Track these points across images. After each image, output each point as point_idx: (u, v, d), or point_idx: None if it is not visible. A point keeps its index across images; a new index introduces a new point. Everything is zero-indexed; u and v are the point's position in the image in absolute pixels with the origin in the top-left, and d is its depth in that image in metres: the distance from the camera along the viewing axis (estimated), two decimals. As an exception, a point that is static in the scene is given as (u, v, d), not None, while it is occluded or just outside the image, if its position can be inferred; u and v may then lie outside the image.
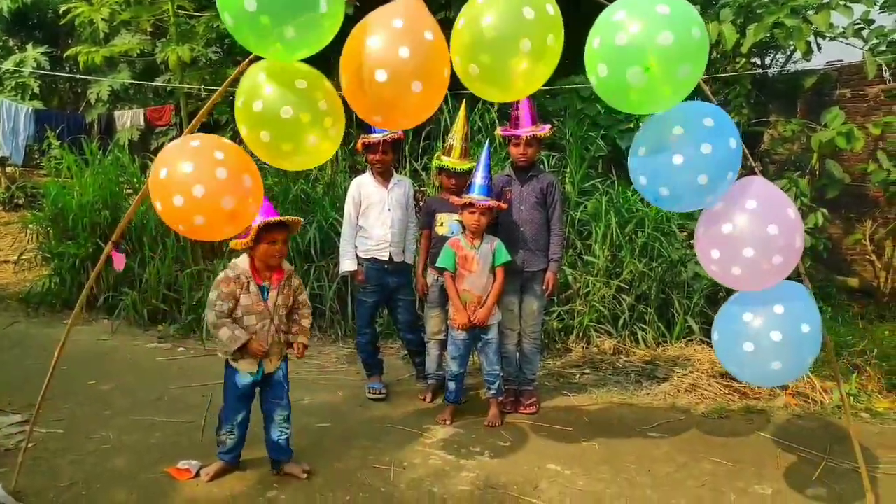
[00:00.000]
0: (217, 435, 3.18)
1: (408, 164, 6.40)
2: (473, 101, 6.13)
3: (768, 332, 2.56)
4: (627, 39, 2.20)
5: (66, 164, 7.06)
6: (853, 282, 7.01)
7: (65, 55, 10.15)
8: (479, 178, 3.72)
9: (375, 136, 4.07)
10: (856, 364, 4.71)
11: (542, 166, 5.15)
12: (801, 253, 2.56)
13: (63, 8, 8.71)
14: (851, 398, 4.26)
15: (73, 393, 4.15)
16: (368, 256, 4.16)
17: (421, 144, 6.48)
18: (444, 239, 4.03)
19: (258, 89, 2.46)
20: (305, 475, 3.16)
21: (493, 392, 3.89)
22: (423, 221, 4.26)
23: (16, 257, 7.41)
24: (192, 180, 2.45)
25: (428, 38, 2.34)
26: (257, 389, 3.17)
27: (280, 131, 2.46)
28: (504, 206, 3.82)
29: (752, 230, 2.49)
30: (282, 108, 2.42)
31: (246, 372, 3.08)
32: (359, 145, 4.19)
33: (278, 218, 2.99)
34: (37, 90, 10.48)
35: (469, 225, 3.75)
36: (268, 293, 3.06)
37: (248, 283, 3.01)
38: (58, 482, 3.07)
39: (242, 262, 3.06)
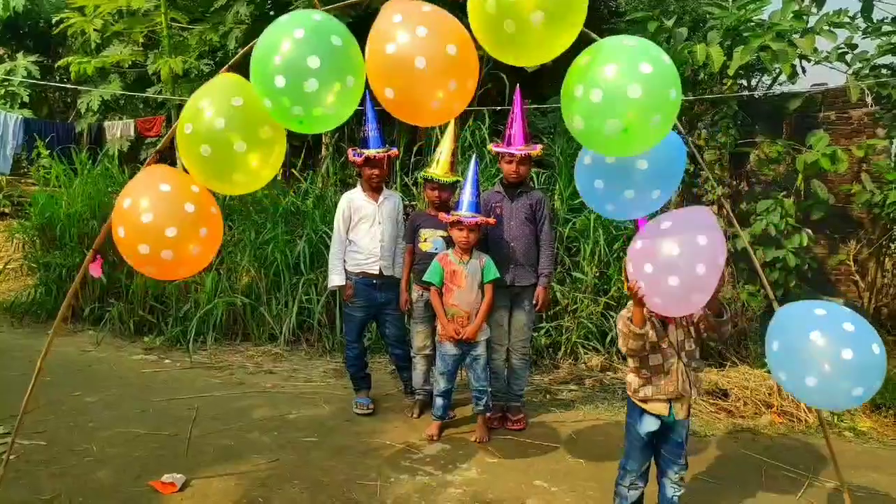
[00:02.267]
0: (617, 487, 2.91)
1: (398, 179, 6.43)
2: (464, 117, 6.18)
3: (841, 325, 2.31)
4: (615, 126, 2.17)
5: (55, 174, 7.04)
6: (837, 301, 7.09)
7: (56, 65, 10.14)
8: (466, 195, 3.73)
9: (374, 151, 4.08)
10: (840, 383, 4.74)
11: (531, 183, 5.19)
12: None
13: (56, 18, 8.72)
14: (835, 417, 4.30)
15: (57, 404, 4.11)
16: (358, 271, 4.15)
17: (412, 159, 6.51)
18: (427, 255, 4.03)
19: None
20: None
21: (480, 408, 3.89)
22: (407, 236, 4.25)
23: (0, 266, 7.35)
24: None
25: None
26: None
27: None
28: (492, 221, 3.84)
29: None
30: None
31: (654, 416, 2.76)
32: (357, 159, 4.12)
33: None
34: (26, 99, 10.44)
35: (458, 242, 3.76)
36: (668, 327, 2.75)
37: (650, 316, 2.69)
38: (40, 495, 3.04)
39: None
